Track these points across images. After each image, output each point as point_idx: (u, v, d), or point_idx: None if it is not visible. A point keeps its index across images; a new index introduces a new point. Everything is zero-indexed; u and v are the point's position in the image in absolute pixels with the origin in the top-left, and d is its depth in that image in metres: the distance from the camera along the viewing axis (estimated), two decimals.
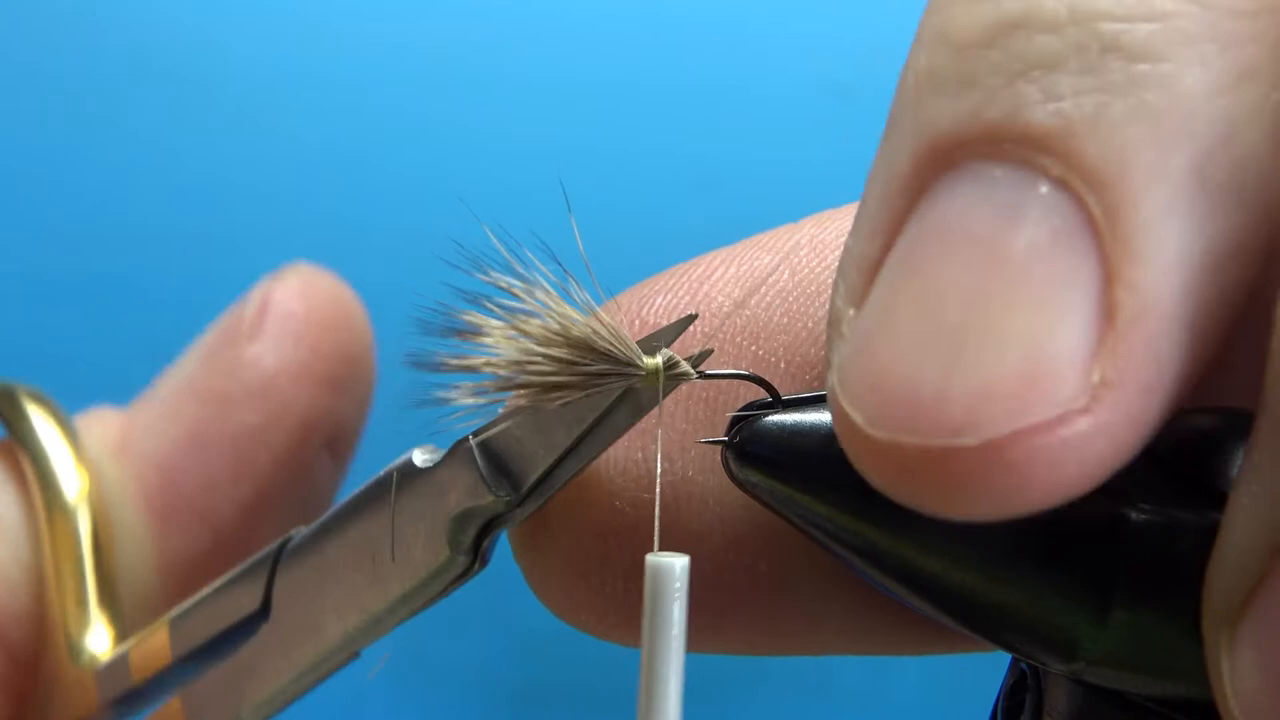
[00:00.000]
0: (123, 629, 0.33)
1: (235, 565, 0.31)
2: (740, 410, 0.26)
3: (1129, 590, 0.23)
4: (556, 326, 0.27)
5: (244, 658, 0.30)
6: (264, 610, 0.30)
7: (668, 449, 0.27)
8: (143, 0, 0.69)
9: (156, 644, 0.31)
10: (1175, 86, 0.20)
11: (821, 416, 0.25)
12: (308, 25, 0.69)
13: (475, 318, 0.27)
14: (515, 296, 0.27)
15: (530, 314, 0.27)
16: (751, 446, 0.26)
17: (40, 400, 0.35)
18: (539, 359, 0.26)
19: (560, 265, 0.27)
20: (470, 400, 0.27)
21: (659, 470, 0.27)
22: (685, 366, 0.27)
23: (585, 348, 0.27)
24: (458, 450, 0.28)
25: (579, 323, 0.27)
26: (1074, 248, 0.19)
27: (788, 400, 0.26)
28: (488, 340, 0.27)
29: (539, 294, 0.27)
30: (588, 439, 0.27)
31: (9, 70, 0.69)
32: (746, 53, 0.69)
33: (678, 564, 0.26)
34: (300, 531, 0.30)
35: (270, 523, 0.34)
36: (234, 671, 0.30)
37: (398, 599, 0.29)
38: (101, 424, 0.35)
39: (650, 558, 0.26)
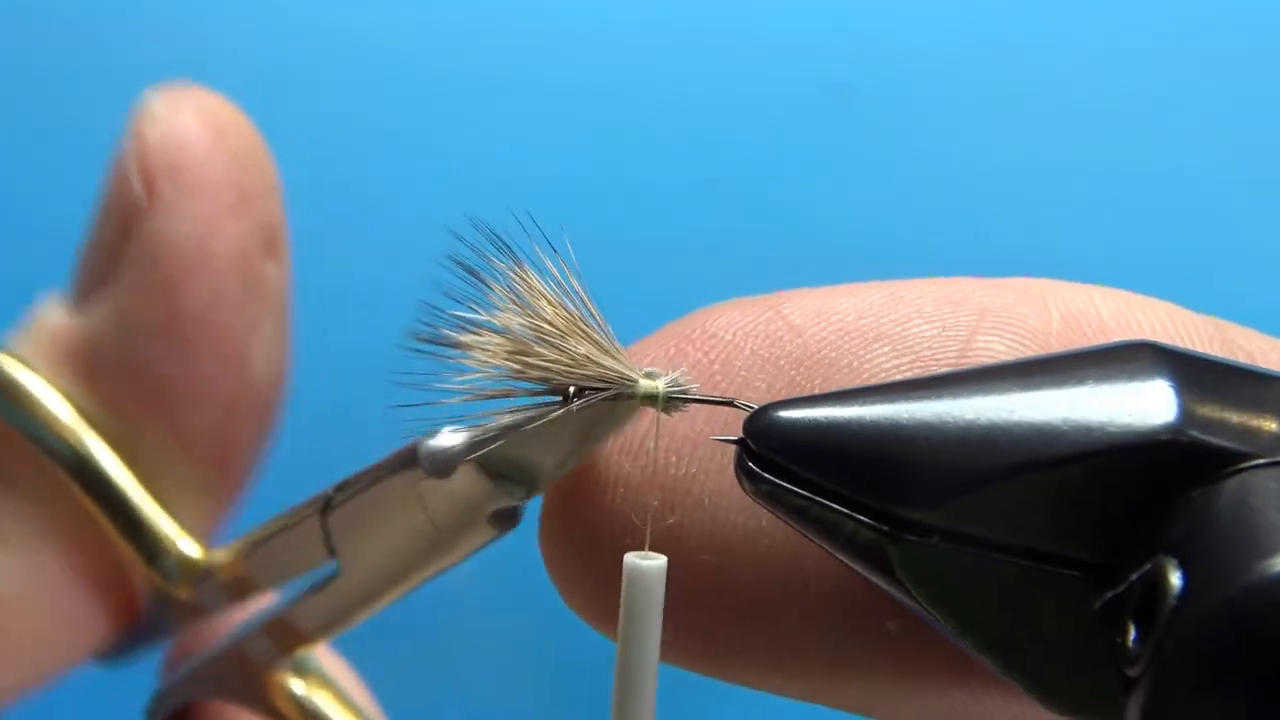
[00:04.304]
0: (189, 526, 0.35)
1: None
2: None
3: None
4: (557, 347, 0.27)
5: (322, 595, 0.32)
6: (329, 554, 0.32)
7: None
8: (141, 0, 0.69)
9: (238, 568, 0.34)
10: None
11: (836, 410, 0.24)
12: (306, 25, 0.69)
13: (473, 335, 0.27)
14: (515, 313, 0.27)
15: (530, 333, 0.27)
16: (766, 441, 0.25)
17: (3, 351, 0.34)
18: (536, 378, 0.27)
19: (562, 278, 0.27)
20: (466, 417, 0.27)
21: (656, 472, 0.27)
22: (688, 387, 0.27)
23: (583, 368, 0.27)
24: (460, 464, 0.28)
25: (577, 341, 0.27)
26: None
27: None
28: (485, 358, 0.27)
29: (540, 315, 0.27)
30: (589, 438, 0.28)
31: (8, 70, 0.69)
32: (746, 53, 0.69)
33: (654, 566, 0.26)
34: (335, 493, 0.31)
35: (259, 353, 0.34)
36: (316, 601, 0.32)
37: (447, 556, 0.30)
38: (51, 345, 0.34)
39: (629, 558, 0.26)
